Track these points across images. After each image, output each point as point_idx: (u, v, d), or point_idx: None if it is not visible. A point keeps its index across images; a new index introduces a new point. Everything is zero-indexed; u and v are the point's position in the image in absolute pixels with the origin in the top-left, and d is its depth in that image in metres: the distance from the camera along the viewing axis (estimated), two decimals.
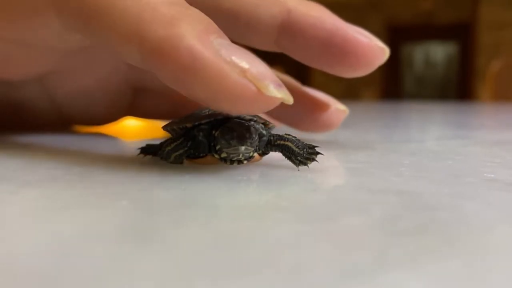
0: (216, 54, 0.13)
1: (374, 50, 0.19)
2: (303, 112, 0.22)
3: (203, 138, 0.15)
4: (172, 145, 0.15)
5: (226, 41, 0.13)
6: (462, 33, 3.24)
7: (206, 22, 0.14)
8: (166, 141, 0.15)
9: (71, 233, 0.09)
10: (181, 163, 0.15)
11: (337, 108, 0.22)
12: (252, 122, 0.15)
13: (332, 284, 0.06)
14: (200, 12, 0.14)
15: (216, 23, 0.15)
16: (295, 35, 0.19)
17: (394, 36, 3.37)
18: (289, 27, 0.19)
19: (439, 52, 3.43)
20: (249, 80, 0.12)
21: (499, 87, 1.40)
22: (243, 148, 0.14)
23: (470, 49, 3.19)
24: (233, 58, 0.13)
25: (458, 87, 3.32)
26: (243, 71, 0.13)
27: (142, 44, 0.13)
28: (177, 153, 0.15)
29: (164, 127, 0.16)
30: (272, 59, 0.21)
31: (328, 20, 0.19)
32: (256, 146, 0.14)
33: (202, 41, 0.13)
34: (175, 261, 0.07)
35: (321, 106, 0.22)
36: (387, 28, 3.38)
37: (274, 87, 0.13)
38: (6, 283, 0.06)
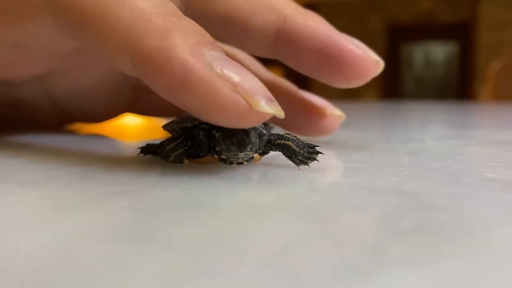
0: (208, 67, 0.13)
1: (368, 63, 0.19)
2: (299, 117, 0.22)
3: (204, 138, 0.15)
4: (172, 144, 0.15)
5: (219, 54, 0.13)
6: (462, 33, 3.24)
7: (199, 34, 0.13)
8: (166, 140, 0.15)
9: (71, 233, 0.09)
10: (181, 162, 0.15)
11: (333, 113, 0.22)
12: None
13: (332, 284, 0.06)
14: (195, 24, 0.14)
15: (211, 27, 0.15)
16: (290, 44, 0.19)
17: (394, 36, 3.37)
18: (284, 36, 0.19)
19: (439, 52, 3.43)
20: (241, 95, 0.12)
21: (499, 87, 1.40)
22: (242, 154, 0.14)
23: (470, 49, 3.19)
24: (225, 72, 0.13)
25: (458, 87, 3.32)
26: (234, 86, 0.13)
27: (134, 55, 0.13)
28: (177, 152, 0.15)
29: (164, 127, 0.16)
30: (271, 59, 0.21)
31: (324, 30, 0.19)
32: (256, 147, 0.14)
33: (195, 54, 0.13)
34: (175, 261, 0.07)
35: (318, 112, 0.22)
36: (387, 28, 3.38)
37: (265, 103, 0.13)
38: (6, 283, 0.06)
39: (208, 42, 0.13)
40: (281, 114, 0.13)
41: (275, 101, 0.13)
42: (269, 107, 0.13)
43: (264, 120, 0.13)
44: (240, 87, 0.13)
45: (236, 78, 0.13)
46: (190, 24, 0.14)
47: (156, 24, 0.13)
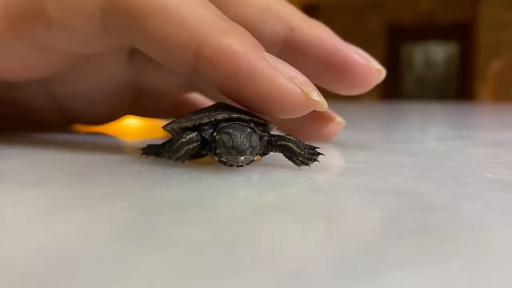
0: (268, 62, 0.14)
1: (371, 71, 0.19)
2: (301, 122, 0.22)
3: (207, 137, 0.15)
4: (187, 137, 0.14)
5: (270, 54, 0.15)
6: (462, 33, 3.24)
7: (252, 37, 0.15)
8: (167, 141, 0.15)
9: (71, 233, 0.09)
10: (182, 162, 0.15)
11: (334, 120, 0.23)
12: (253, 124, 0.15)
13: (332, 284, 0.06)
14: (246, 30, 0.15)
15: None
16: (296, 53, 0.20)
17: (394, 36, 3.37)
18: (291, 45, 0.20)
19: (439, 53, 3.43)
20: (297, 86, 0.14)
21: (499, 88, 1.40)
22: (242, 158, 0.14)
23: (470, 49, 3.19)
24: (280, 66, 0.14)
25: (458, 87, 3.32)
26: (292, 78, 0.14)
27: (200, 50, 0.14)
28: (189, 146, 0.14)
29: (164, 127, 0.16)
30: None
31: (329, 40, 0.19)
32: (257, 151, 0.14)
33: (255, 51, 0.14)
34: (175, 261, 0.07)
35: (320, 118, 0.22)
36: (387, 28, 3.38)
37: (316, 93, 0.15)
38: (6, 283, 0.06)
39: (260, 44, 0.15)
40: (325, 105, 0.15)
41: (320, 93, 0.15)
42: (318, 97, 0.15)
43: (312, 109, 0.15)
44: (296, 79, 0.14)
45: (291, 72, 0.15)
46: (244, 29, 0.15)
47: (219, 25, 0.15)
